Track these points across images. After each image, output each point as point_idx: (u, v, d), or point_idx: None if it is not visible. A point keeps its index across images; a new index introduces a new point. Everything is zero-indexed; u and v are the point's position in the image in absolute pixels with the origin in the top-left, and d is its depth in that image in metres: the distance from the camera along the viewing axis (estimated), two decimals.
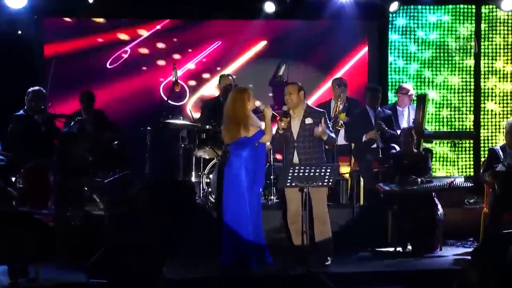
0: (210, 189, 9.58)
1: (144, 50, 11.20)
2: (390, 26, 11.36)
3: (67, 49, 10.84)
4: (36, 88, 9.60)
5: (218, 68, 11.27)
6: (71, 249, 7.94)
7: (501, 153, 8.81)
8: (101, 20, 11.11)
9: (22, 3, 10.14)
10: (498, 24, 11.40)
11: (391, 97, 11.15)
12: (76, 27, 11.03)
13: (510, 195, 8.40)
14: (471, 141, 11.29)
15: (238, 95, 7.77)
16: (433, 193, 8.70)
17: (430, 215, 8.56)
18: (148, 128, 9.97)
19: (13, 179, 9.08)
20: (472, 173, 11.21)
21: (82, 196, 8.32)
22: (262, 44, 11.37)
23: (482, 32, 11.38)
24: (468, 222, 9.10)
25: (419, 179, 8.70)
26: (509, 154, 8.75)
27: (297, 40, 11.26)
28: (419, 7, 11.35)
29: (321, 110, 8.14)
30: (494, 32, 11.40)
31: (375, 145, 9.56)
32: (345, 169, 9.86)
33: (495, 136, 11.35)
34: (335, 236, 8.05)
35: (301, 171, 7.37)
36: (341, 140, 9.83)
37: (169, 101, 10.12)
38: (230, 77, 10.16)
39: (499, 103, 11.44)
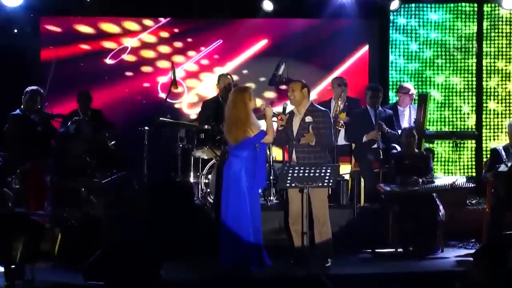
0: (208, 190, 9.56)
1: (143, 49, 11.18)
2: (391, 25, 11.36)
3: (66, 47, 10.85)
4: (34, 87, 9.59)
5: (218, 67, 11.25)
6: (68, 250, 7.92)
7: (503, 153, 8.81)
8: (99, 19, 11.09)
9: (18, 2, 10.14)
10: (500, 23, 11.39)
11: (392, 97, 11.14)
12: (74, 27, 11.01)
13: None
14: (473, 141, 11.29)
15: (239, 95, 7.74)
16: (435, 194, 8.69)
17: (431, 216, 8.55)
18: (146, 128, 9.96)
19: (9, 179, 9.05)
20: (474, 174, 11.20)
21: (79, 197, 8.30)
22: (263, 43, 11.36)
23: (484, 31, 11.36)
24: (470, 223, 9.07)
25: (421, 180, 8.69)
26: None
27: (298, 39, 11.27)
28: (420, 5, 11.34)
29: (324, 109, 8.12)
30: (496, 31, 11.39)
31: (375, 145, 9.54)
32: (345, 169, 9.84)
33: (497, 136, 11.34)
34: (335, 237, 8.04)
35: (301, 171, 7.35)
36: (341, 140, 9.82)
37: (167, 100, 10.10)
38: (229, 77, 10.15)
39: (501, 103, 11.42)
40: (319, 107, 8.09)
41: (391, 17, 11.35)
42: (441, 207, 8.63)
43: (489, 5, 11.35)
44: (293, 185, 7.43)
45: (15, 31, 10.60)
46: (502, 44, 11.41)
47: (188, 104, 11.30)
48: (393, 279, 7.57)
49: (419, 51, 11.38)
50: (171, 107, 10.97)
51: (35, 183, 8.67)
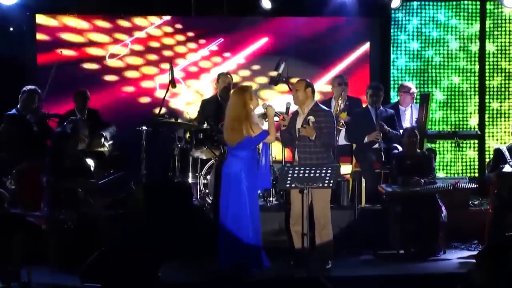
0: (207, 191, 9.56)
1: (141, 48, 11.17)
2: (392, 23, 11.36)
3: (62, 46, 10.87)
4: (32, 87, 9.59)
5: (217, 66, 11.24)
6: (64, 252, 7.92)
7: (507, 153, 8.80)
8: (96, 17, 11.08)
9: (13, 0, 10.14)
10: (503, 22, 11.38)
11: (393, 96, 11.14)
12: (70, 26, 11.01)
13: None
14: (476, 141, 11.28)
15: (240, 95, 7.74)
16: (437, 195, 8.69)
17: (433, 217, 8.55)
18: (144, 128, 9.96)
19: (5, 180, 9.05)
20: (476, 174, 11.20)
21: (76, 197, 8.30)
22: (263, 41, 11.36)
23: (487, 30, 11.36)
24: (473, 224, 9.07)
25: (422, 180, 8.69)
26: None
27: (298, 37, 11.27)
28: (422, 3, 11.34)
29: (327, 109, 8.12)
30: (499, 29, 11.39)
31: (377, 145, 9.55)
32: (346, 170, 9.83)
33: (500, 136, 11.34)
34: (336, 239, 8.03)
35: (301, 172, 7.35)
36: (342, 140, 9.81)
37: (165, 99, 10.10)
38: (229, 76, 10.15)
39: (505, 102, 11.42)
40: (323, 107, 8.07)
41: (393, 15, 11.35)
42: (443, 208, 8.63)
43: (491, 3, 11.34)
44: (293, 185, 7.43)
45: (11, 29, 10.60)
46: (505, 42, 11.40)
47: (187, 103, 11.29)
48: (395, 281, 7.58)
49: (421, 49, 11.38)
50: (169, 107, 10.97)
51: (31, 184, 8.67)
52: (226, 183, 7.77)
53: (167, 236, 8.35)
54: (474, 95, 11.40)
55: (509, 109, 11.42)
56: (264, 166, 7.86)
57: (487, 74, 11.38)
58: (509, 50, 11.41)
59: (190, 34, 11.25)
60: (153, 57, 11.19)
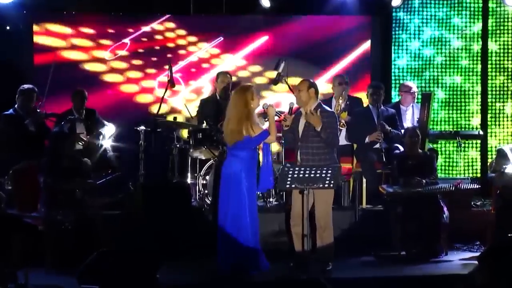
0: (206, 191, 9.56)
1: (139, 46, 11.16)
2: (393, 21, 11.36)
3: (60, 45, 10.87)
4: (30, 86, 9.58)
5: (217, 65, 11.23)
6: (62, 253, 7.93)
7: (510, 153, 8.81)
8: (93, 15, 11.08)
9: None
10: (506, 20, 11.37)
11: (395, 95, 11.14)
12: (68, 24, 11.00)
13: None
14: (478, 141, 11.28)
15: (241, 94, 7.73)
16: (439, 195, 8.70)
17: (435, 218, 8.55)
18: (142, 127, 9.96)
19: (2, 180, 9.05)
20: (479, 175, 11.20)
21: (73, 198, 8.31)
22: (263, 40, 11.35)
23: (490, 29, 11.35)
24: (475, 225, 9.07)
25: (424, 181, 8.69)
26: None
27: (298, 36, 11.27)
28: (424, 2, 11.34)
29: (331, 110, 8.11)
30: (502, 28, 11.38)
31: (378, 146, 9.55)
32: (346, 168, 9.83)
33: (503, 136, 11.34)
34: (336, 240, 8.02)
35: (301, 172, 7.34)
36: (342, 140, 9.80)
37: (164, 99, 10.10)
38: (228, 75, 10.14)
39: (507, 102, 11.41)
40: (326, 107, 8.05)
41: (393, 14, 11.35)
42: (445, 209, 8.64)
43: (494, 1, 11.33)
44: (293, 186, 7.42)
45: (7, 28, 10.60)
46: (508, 41, 11.40)
47: (186, 101, 11.28)
48: (396, 283, 7.58)
49: (422, 48, 11.37)
50: (167, 106, 10.97)
51: (28, 184, 8.67)
52: (226, 183, 7.77)
53: (166, 237, 8.35)
54: (476, 94, 11.39)
55: (511, 109, 11.41)
56: (265, 166, 7.85)
57: (489, 74, 11.37)
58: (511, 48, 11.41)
59: (189, 33, 11.23)
60: (151, 56, 11.18)
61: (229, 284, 7.51)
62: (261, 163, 7.99)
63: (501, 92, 11.39)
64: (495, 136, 11.36)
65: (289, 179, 7.35)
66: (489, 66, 11.37)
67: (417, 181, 8.68)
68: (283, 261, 8.01)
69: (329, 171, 7.37)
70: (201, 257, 8.15)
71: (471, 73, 11.39)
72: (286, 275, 7.73)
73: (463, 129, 11.18)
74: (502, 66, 11.38)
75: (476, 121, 11.37)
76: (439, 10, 11.36)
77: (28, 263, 7.18)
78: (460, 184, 8.71)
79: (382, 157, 9.38)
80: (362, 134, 9.68)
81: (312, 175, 7.34)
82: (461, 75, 11.39)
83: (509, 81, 11.40)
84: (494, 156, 9.81)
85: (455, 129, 11.13)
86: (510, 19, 11.38)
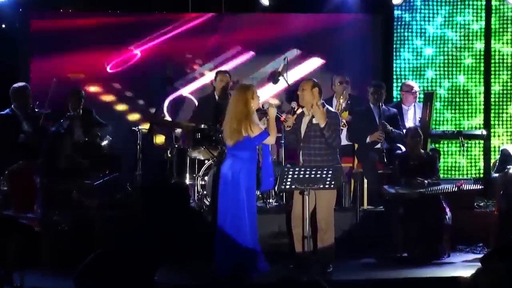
0: (205, 192, 9.56)
1: (137, 45, 11.15)
2: (395, 19, 11.36)
3: (56, 43, 10.87)
4: (22, 84, 9.56)
5: (216, 64, 11.23)
6: (58, 255, 7.92)
7: None
8: (90, 14, 11.08)
9: None
10: (509, 19, 11.36)
11: (396, 95, 11.13)
12: (65, 22, 11.00)
13: None
14: (481, 142, 11.27)
15: (242, 93, 7.72)
16: (441, 196, 8.70)
17: (437, 219, 8.55)
18: (140, 127, 9.97)
19: None
20: (482, 175, 11.19)
21: (70, 199, 8.30)
22: (262, 38, 11.35)
23: (493, 27, 11.34)
24: (478, 226, 9.07)
25: (426, 181, 8.68)
26: None
27: (299, 34, 11.27)
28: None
29: (334, 110, 8.11)
30: (505, 27, 11.37)
31: (379, 146, 9.55)
32: (347, 168, 9.83)
33: (507, 136, 11.34)
34: (337, 241, 8.02)
35: (301, 172, 7.33)
36: (343, 140, 9.79)
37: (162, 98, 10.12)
38: (227, 74, 10.15)
39: (510, 102, 11.41)
40: (330, 108, 8.05)
41: (395, 12, 11.34)
42: (447, 210, 8.63)
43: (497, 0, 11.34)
44: (293, 186, 7.41)
45: (3, 26, 10.61)
46: (511, 40, 11.39)
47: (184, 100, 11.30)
48: (397, 285, 7.57)
49: (424, 47, 11.37)
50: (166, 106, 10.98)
51: (24, 185, 8.65)
52: (224, 184, 7.77)
53: (164, 238, 8.34)
54: (479, 94, 11.39)
55: None
56: (265, 167, 7.85)
57: (492, 73, 11.36)
58: None
59: (187, 30, 11.23)
60: (150, 54, 11.17)
61: (228, 285, 7.51)
62: (260, 164, 7.98)
63: (505, 92, 11.37)
64: (498, 136, 11.35)
65: (289, 179, 7.34)
66: (492, 65, 11.35)
67: (419, 181, 8.67)
68: (283, 263, 8.00)
69: (330, 172, 7.35)
70: (199, 258, 8.15)
71: (473, 72, 11.39)
72: (286, 276, 7.73)
73: (465, 129, 11.17)
74: (505, 65, 11.36)
75: (478, 120, 11.36)
76: (442, 8, 11.35)
77: (24, 264, 7.19)
78: (463, 185, 8.71)
79: (384, 157, 9.38)
80: (363, 134, 9.67)
81: (312, 176, 7.33)
82: (463, 74, 11.38)
83: None
84: (497, 157, 9.82)
85: (457, 129, 11.13)
86: None
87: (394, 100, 10.95)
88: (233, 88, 9.22)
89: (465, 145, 10.56)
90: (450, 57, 11.38)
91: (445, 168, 11.25)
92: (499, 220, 8.61)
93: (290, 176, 7.32)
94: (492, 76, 11.32)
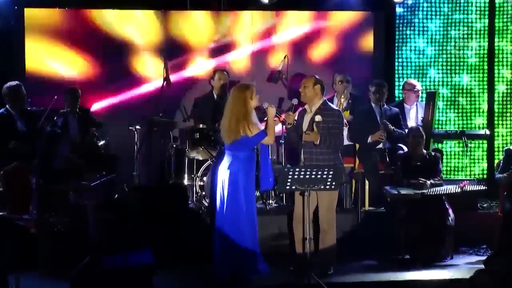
0: (203, 193, 9.56)
1: (135, 43, 11.13)
2: (397, 17, 11.35)
3: (52, 41, 10.87)
4: (15, 83, 9.54)
5: (215, 62, 11.22)
6: (54, 257, 7.92)
7: None
8: (87, 11, 11.06)
9: None
10: None
11: (398, 94, 11.12)
12: (61, 20, 10.98)
13: None
14: (485, 142, 11.27)
15: (240, 92, 7.72)
16: (444, 197, 8.70)
17: (440, 220, 8.55)
18: (138, 127, 9.96)
19: None
20: (485, 176, 11.19)
21: (66, 200, 8.30)
22: (262, 37, 11.34)
23: (496, 27, 11.33)
24: (482, 228, 9.07)
25: (429, 182, 8.68)
26: None
27: (299, 32, 11.26)
28: None
29: (337, 109, 8.10)
30: (509, 25, 11.35)
31: (381, 146, 9.54)
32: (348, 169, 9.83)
33: (511, 136, 11.33)
34: (338, 243, 8.02)
35: (302, 173, 7.32)
36: (344, 140, 9.80)
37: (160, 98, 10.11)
38: (226, 73, 10.15)
39: None
40: (332, 106, 8.05)
41: (397, 10, 11.34)
42: (450, 211, 8.63)
43: None
44: (293, 187, 7.40)
45: None
46: None
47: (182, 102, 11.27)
48: None
49: (427, 45, 11.36)
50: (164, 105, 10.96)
51: (20, 186, 8.66)
52: (222, 185, 7.76)
53: (162, 240, 8.33)
54: (483, 93, 11.38)
55: None
56: (264, 167, 7.84)
57: (496, 72, 11.36)
58: None
59: (186, 29, 11.22)
60: (147, 53, 11.15)
61: None
62: (260, 164, 7.98)
63: (508, 91, 11.36)
64: (502, 136, 11.35)
65: (289, 180, 7.33)
66: (495, 63, 11.34)
67: (421, 182, 8.67)
68: (283, 265, 8.00)
69: (331, 172, 7.34)
70: (198, 261, 8.14)
71: (477, 71, 11.38)
72: (286, 279, 7.73)
73: (469, 129, 11.16)
74: (509, 63, 11.35)
75: (482, 120, 11.36)
76: (444, 6, 11.34)
77: (19, 267, 7.18)
78: (466, 186, 8.70)
79: (385, 157, 9.37)
80: (365, 134, 9.66)
81: (313, 176, 7.32)
82: (466, 73, 11.38)
83: None
84: (501, 157, 9.81)
85: (460, 129, 11.12)
86: None
87: (396, 99, 10.94)
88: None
89: (468, 145, 10.55)
90: (453, 56, 11.37)
91: (448, 168, 11.25)
92: (503, 221, 8.61)
93: (290, 176, 7.31)
94: (496, 75, 11.32)
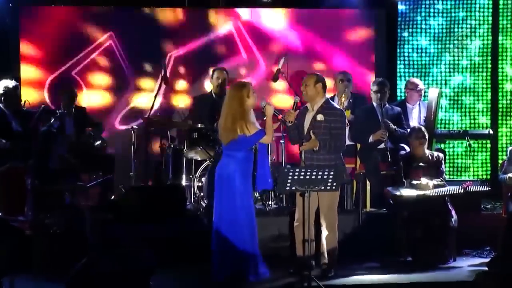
0: (202, 194, 9.56)
1: (132, 42, 11.13)
2: (399, 16, 11.35)
3: (48, 39, 10.88)
4: (11, 82, 9.55)
5: (213, 61, 11.22)
6: (50, 259, 7.92)
7: None
8: (84, 8, 11.07)
9: None
10: None
11: (400, 93, 11.13)
12: (56, 17, 10.99)
13: None
14: (488, 142, 11.27)
15: (237, 91, 7.71)
16: (447, 198, 8.70)
17: (443, 222, 8.56)
18: (135, 127, 9.96)
19: None
20: (489, 176, 11.20)
21: (62, 201, 8.30)
22: (262, 35, 11.34)
23: (500, 26, 11.33)
24: (485, 229, 9.06)
25: (431, 183, 8.69)
26: None
27: (299, 30, 11.27)
28: None
29: (339, 108, 8.10)
30: None
31: (382, 146, 9.54)
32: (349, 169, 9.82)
33: None
34: (339, 245, 8.02)
35: (302, 174, 7.31)
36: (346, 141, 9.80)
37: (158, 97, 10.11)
38: (224, 71, 10.14)
39: None
40: (335, 105, 8.05)
41: (399, 8, 11.34)
42: (453, 212, 8.63)
43: None
44: (293, 188, 7.40)
45: None
46: None
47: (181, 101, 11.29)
48: None
49: (430, 44, 11.37)
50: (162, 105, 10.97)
51: (14, 187, 8.66)
52: (220, 185, 7.76)
53: (159, 241, 8.34)
54: (486, 92, 11.39)
55: None
56: (261, 165, 7.84)
57: (500, 72, 11.36)
58: None
59: (183, 27, 11.22)
60: (145, 51, 11.16)
61: None
62: (257, 163, 7.96)
63: None
64: (506, 136, 11.35)
65: (289, 181, 7.32)
66: (499, 62, 11.34)
67: (424, 183, 8.68)
68: (283, 267, 8.01)
69: (331, 173, 7.34)
70: (196, 263, 8.15)
71: (480, 70, 11.38)
72: (286, 282, 7.73)
73: (472, 129, 11.16)
74: None
75: (485, 120, 11.36)
76: (447, 4, 11.34)
77: (14, 269, 7.18)
78: (469, 186, 8.70)
79: (387, 156, 9.37)
80: (366, 133, 9.65)
81: (313, 177, 7.31)
82: (469, 72, 11.38)
83: None
84: (504, 157, 9.81)
85: (463, 129, 11.12)
86: None
87: (398, 99, 10.94)
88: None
89: (472, 145, 10.55)
90: (456, 54, 11.37)
91: (451, 169, 11.25)
92: (507, 222, 8.60)
93: (290, 177, 7.30)
94: (500, 74, 11.33)
